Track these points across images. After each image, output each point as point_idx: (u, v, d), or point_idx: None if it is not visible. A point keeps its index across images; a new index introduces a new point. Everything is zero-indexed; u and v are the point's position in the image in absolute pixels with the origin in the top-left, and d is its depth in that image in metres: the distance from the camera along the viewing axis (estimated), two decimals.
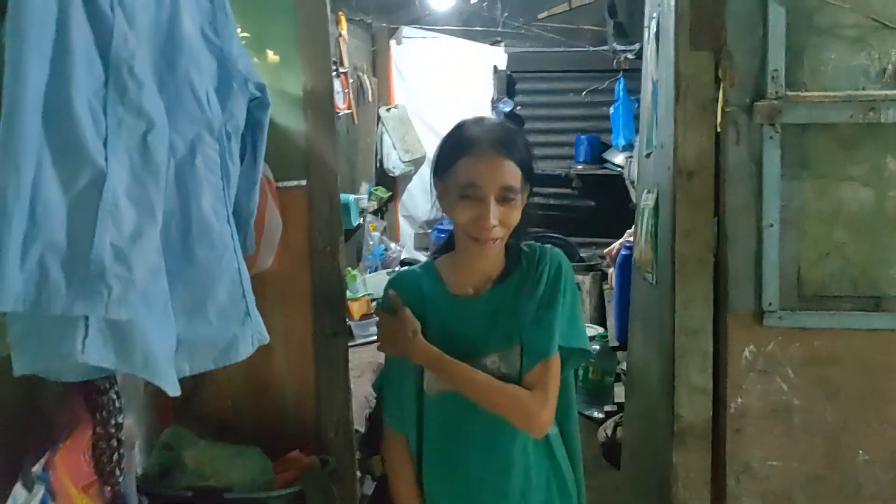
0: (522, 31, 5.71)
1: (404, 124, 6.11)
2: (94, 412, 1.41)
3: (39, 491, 1.21)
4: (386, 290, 1.64)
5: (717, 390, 1.92)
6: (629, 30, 5.31)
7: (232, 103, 1.39)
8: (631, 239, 4.06)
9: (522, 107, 5.85)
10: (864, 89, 1.75)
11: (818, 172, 1.78)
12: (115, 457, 1.45)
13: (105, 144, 0.96)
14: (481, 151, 1.42)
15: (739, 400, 1.84)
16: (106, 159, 0.95)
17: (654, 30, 2.30)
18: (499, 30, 5.77)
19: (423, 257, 5.99)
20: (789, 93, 1.74)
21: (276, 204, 1.90)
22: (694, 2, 1.86)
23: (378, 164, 6.11)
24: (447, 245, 1.64)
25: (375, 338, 3.24)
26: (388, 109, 6.10)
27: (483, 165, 1.41)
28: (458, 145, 1.47)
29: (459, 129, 1.50)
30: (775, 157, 1.76)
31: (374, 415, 2.26)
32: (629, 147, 4.52)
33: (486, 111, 5.79)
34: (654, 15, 2.36)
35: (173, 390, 1.14)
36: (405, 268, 1.66)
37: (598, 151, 5.32)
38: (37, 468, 1.24)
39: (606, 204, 5.40)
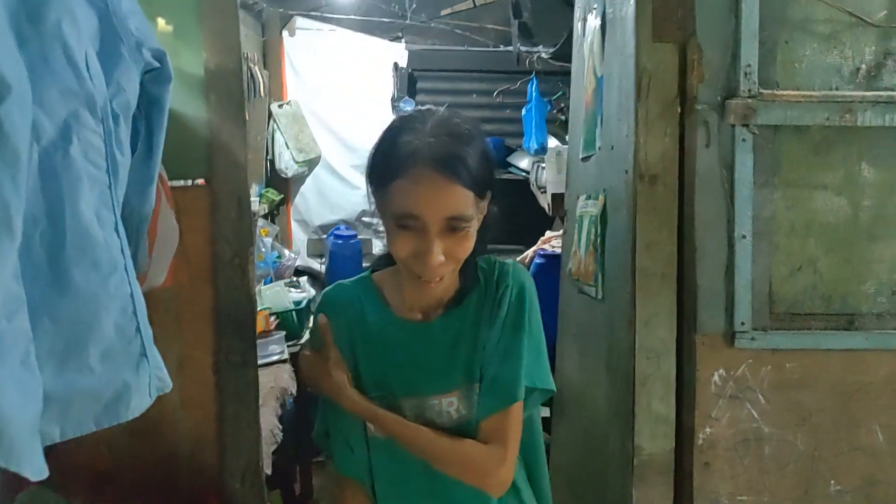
0: (424, 25, 5.46)
1: (298, 122, 5.71)
2: None
3: None
4: (317, 311, 1.35)
5: (678, 419, 1.73)
6: (534, 30, 5.18)
7: (120, 73, 1.05)
8: (545, 247, 3.90)
9: (424, 106, 5.61)
10: (836, 89, 1.61)
11: (789, 179, 1.63)
12: None
13: None
14: (419, 173, 1.10)
15: (708, 429, 1.66)
16: None
17: (598, 22, 2.11)
18: (401, 22, 5.49)
19: (316, 265, 5.63)
20: (763, 91, 1.58)
21: (171, 206, 1.56)
22: None
23: (269, 165, 5.68)
24: (388, 257, 1.36)
25: (276, 357, 2.89)
26: (280, 106, 5.67)
27: (422, 192, 1.11)
28: (391, 161, 1.15)
29: (393, 134, 1.18)
30: (748, 161, 1.60)
31: (281, 451, 1.95)
32: (541, 150, 4.37)
33: (386, 110, 5.51)
34: (596, 6, 2.17)
35: (38, 473, 0.80)
36: (339, 282, 1.36)
37: (502, 155, 5.15)
38: None
39: (513, 210, 5.23)
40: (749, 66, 1.57)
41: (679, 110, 1.69)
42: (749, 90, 1.57)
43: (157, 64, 1.14)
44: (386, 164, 1.16)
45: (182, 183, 1.67)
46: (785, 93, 1.58)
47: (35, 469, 0.77)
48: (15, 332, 0.75)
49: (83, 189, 0.93)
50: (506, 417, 1.22)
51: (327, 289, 1.36)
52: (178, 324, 1.73)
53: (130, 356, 0.98)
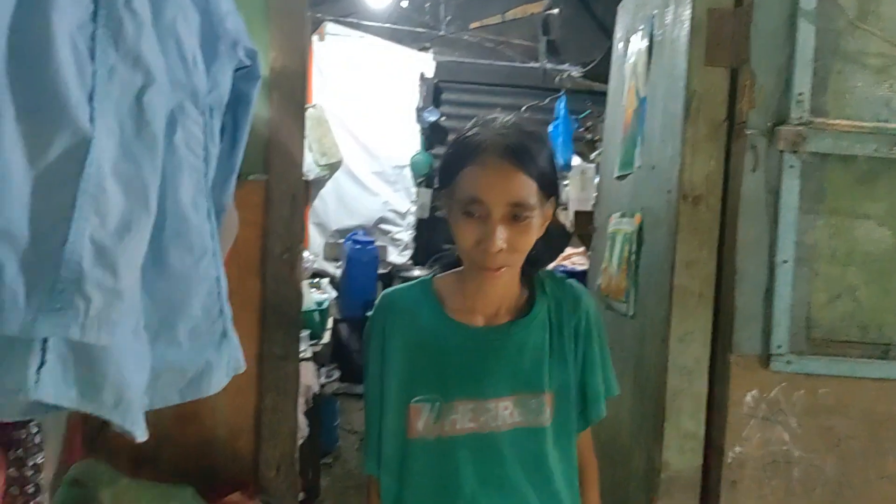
0: (453, 37, 5.53)
1: (322, 126, 5.76)
2: (6, 450, 1.07)
3: None
4: (374, 312, 1.38)
5: (707, 437, 1.77)
6: (562, 48, 5.24)
7: (216, 69, 1.10)
8: (565, 264, 3.94)
9: (448, 118, 5.67)
10: (886, 121, 1.66)
11: (834, 208, 1.67)
12: None
13: (90, 100, 0.66)
14: (487, 160, 1.17)
15: (738, 449, 1.69)
16: (92, 121, 0.65)
17: (644, 44, 2.15)
18: (430, 32, 5.55)
19: (332, 268, 5.67)
20: (815, 119, 1.62)
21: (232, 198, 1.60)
22: (712, 14, 1.72)
23: None
24: (450, 261, 1.40)
25: (301, 356, 2.92)
26: (305, 108, 5.74)
27: (488, 177, 1.17)
28: (461, 152, 1.22)
29: (464, 133, 1.25)
30: (794, 187, 1.64)
31: (304, 448, 1.96)
32: (566, 168, 4.42)
33: (410, 119, 5.56)
34: (642, 27, 2.22)
35: (143, 435, 0.84)
36: (397, 286, 1.39)
37: None
38: None
39: None
40: (801, 93, 1.61)
41: (726, 134, 1.73)
42: (800, 117, 1.61)
43: (248, 62, 1.19)
44: (455, 156, 1.23)
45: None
46: (835, 122, 1.62)
47: (141, 431, 0.81)
48: (131, 304, 0.79)
49: (183, 176, 0.97)
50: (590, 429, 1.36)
51: (386, 290, 1.39)
52: None
53: (214, 335, 1.02)
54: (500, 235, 1.16)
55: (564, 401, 1.31)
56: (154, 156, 0.74)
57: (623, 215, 2.27)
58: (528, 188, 1.17)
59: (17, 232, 0.61)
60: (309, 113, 5.74)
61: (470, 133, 1.23)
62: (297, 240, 1.74)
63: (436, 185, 1.31)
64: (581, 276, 3.22)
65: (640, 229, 2.07)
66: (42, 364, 0.66)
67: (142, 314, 0.87)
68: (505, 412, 1.27)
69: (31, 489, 1.08)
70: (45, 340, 0.66)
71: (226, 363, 1.04)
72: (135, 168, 0.71)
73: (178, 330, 0.97)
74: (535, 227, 1.21)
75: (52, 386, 0.68)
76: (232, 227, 1.56)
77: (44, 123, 0.62)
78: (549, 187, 1.23)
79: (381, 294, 1.37)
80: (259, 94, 1.67)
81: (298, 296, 1.75)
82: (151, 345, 0.93)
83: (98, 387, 0.72)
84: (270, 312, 1.75)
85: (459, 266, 1.34)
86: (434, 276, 1.39)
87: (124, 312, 0.75)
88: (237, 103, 1.20)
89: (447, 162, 1.26)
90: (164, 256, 0.95)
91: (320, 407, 3.50)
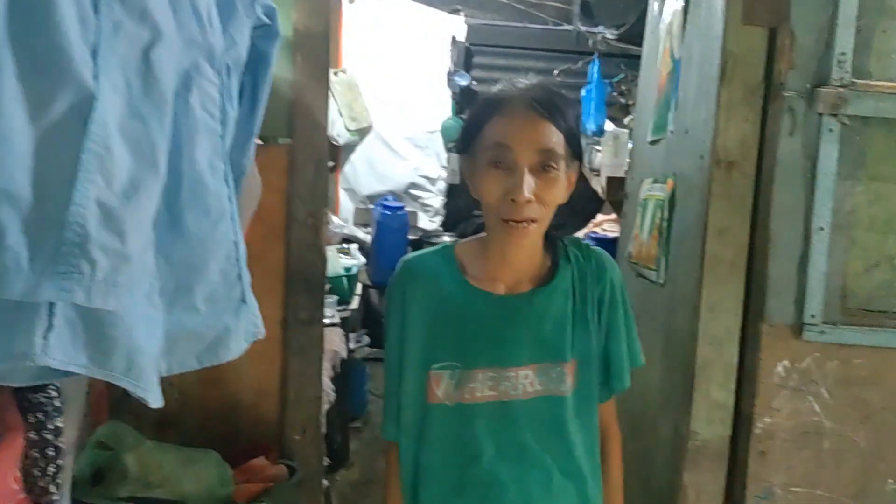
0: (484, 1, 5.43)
1: (352, 91, 5.73)
2: (26, 413, 1.08)
3: None
4: (394, 279, 1.36)
5: (735, 407, 1.73)
6: (595, 10, 5.11)
7: (234, 27, 1.07)
8: (597, 231, 3.89)
9: (479, 82, 5.58)
10: None
11: (874, 173, 1.60)
12: (52, 469, 1.13)
13: (94, 56, 0.64)
14: (514, 110, 1.17)
15: (768, 419, 1.66)
16: (96, 77, 0.64)
17: (680, 3, 2.08)
18: None
19: (361, 234, 5.67)
20: (857, 80, 1.55)
21: (255, 162, 1.58)
22: None
23: None
24: (476, 228, 1.38)
25: (328, 321, 2.93)
26: (335, 73, 5.69)
27: (516, 124, 1.16)
28: (486, 107, 1.21)
29: (490, 90, 1.25)
30: (833, 152, 1.57)
31: (330, 412, 1.97)
32: (598, 133, 4.33)
33: (441, 83, 5.49)
34: None
35: (157, 401, 0.84)
36: (419, 252, 1.37)
37: None
38: None
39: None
40: (843, 53, 1.54)
41: (763, 97, 1.67)
42: (841, 79, 1.54)
43: (267, 20, 1.16)
44: (480, 112, 1.22)
45: (264, 141, 1.69)
46: (878, 83, 1.55)
47: (156, 398, 0.81)
48: (143, 268, 0.78)
49: (199, 137, 0.95)
50: (614, 399, 1.35)
51: (406, 256, 1.37)
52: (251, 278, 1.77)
53: (232, 301, 1.02)
54: (528, 183, 1.14)
55: (587, 370, 1.29)
56: (163, 114, 0.72)
57: (655, 181, 2.22)
58: (556, 138, 1.17)
59: (19, 193, 0.60)
60: (339, 78, 5.71)
61: (495, 90, 1.23)
62: (322, 204, 1.73)
63: (459, 150, 1.29)
64: (612, 243, 3.17)
65: (673, 196, 2.02)
66: (49, 329, 0.66)
67: (156, 278, 0.86)
68: (525, 381, 1.26)
69: (51, 451, 1.09)
70: (52, 305, 0.66)
71: (244, 329, 1.04)
72: (142, 127, 0.70)
73: (195, 295, 0.97)
74: (563, 183, 1.19)
75: (61, 351, 0.67)
76: (255, 191, 1.56)
77: (45, 80, 0.61)
78: (575, 147, 1.21)
79: (401, 260, 1.36)
80: (282, 55, 1.67)
81: (323, 261, 1.74)
82: (168, 310, 0.93)
83: (108, 352, 0.72)
84: (295, 278, 1.75)
85: (483, 233, 1.32)
86: (456, 242, 1.37)
87: (134, 276, 0.74)
88: (256, 63, 1.18)
89: (471, 120, 1.25)
90: (181, 219, 0.94)
91: (349, 372, 3.53)
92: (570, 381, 1.26)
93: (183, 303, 0.95)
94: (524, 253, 1.27)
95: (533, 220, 1.18)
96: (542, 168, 1.15)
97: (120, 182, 0.67)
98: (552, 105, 1.17)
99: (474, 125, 1.23)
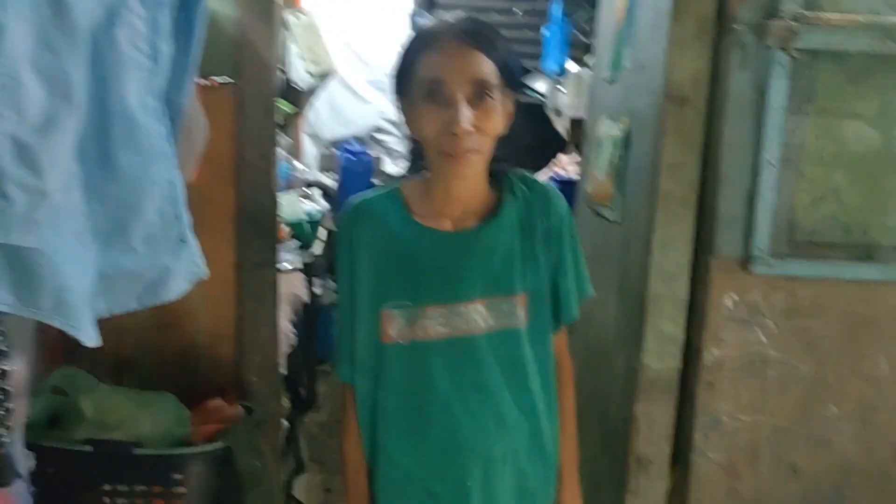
0: None
1: (312, 33, 5.58)
2: None
3: None
4: (339, 221, 1.36)
5: (686, 340, 1.77)
6: None
7: None
8: (560, 171, 3.89)
9: None
10: (880, 14, 1.58)
11: (823, 107, 1.61)
12: (1, 412, 1.12)
13: None
14: (444, 44, 1.17)
15: (715, 351, 1.70)
16: (3, 7, 0.61)
17: None
18: None
19: (327, 180, 5.61)
20: (807, 13, 1.55)
21: (200, 104, 1.55)
22: None
23: (282, 76, 5.59)
24: (415, 168, 1.37)
25: (290, 266, 2.92)
26: (295, 15, 5.55)
27: (447, 57, 1.16)
28: (416, 43, 1.22)
29: (420, 27, 1.26)
30: (783, 86, 1.58)
31: (291, 357, 1.99)
32: (561, 73, 4.29)
33: (403, 25, 5.39)
34: None
35: (91, 339, 0.83)
36: (365, 192, 1.36)
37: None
38: None
39: (526, 134, 5.17)
40: None
41: (715, 31, 1.66)
42: (792, 11, 1.53)
43: None
44: (411, 49, 1.23)
45: (208, 81, 1.65)
46: (829, 16, 1.54)
47: (89, 336, 0.80)
48: (70, 207, 0.77)
49: (127, 74, 0.93)
50: (565, 330, 1.36)
51: (351, 198, 1.37)
52: (201, 221, 1.73)
53: (170, 241, 1.01)
54: (466, 114, 1.14)
55: (538, 303, 1.31)
56: (76, 47, 0.70)
57: (611, 119, 2.21)
58: (488, 68, 1.17)
59: None
60: (299, 20, 5.56)
61: (421, 28, 1.25)
62: (272, 145, 1.70)
63: (394, 92, 1.28)
64: (575, 184, 3.18)
65: (627, 134, 2.02)
66: None
67: (88, 218, 0.85)
68: (477, 316, 1.27)
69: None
70: None
71: (185, 269, 1.03)
72: (54, 59, 0.68)
73: (131, 235, 0.95)
74: (500, 112, 1.20)
75: None
76: (199, 132, 1.52)
77: None
78: (508, 76, 1.21)
79: (347, 202, 1.35)
80: None
81: (274, 203, 1.73)
82: (103, 249, 0.92)
83: (35, 290, 0.71)
84: (246, 220, 1.73)
85: (427, 172, 1.31)
86: (402, 182, 1.36)
87: (60, 214, 0.73)
88: None
89: (402, 59, 1.25)
90: (112, 158, 0.92)
91: (314, 317, 3.54)
92: (523, 315, 1.28)
93: (119, 242, 0.94)
94: (468, 187, 1.27)
95: (474, 151, 1.18)
96: (478, 97, 1.16)
97: (33, 116, 0.65)
98: (481, 35, 1.18)
99: (406, 64, 1.23)
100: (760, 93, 1.59)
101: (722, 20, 1.65)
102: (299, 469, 2.64)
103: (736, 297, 1.68)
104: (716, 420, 1.74)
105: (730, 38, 1.61)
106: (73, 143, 0.72)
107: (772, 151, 1.60)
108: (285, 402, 3.33)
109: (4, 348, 1.12)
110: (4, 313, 0.78)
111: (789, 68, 1.57)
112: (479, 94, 1.15)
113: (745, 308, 1.68)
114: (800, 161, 1.63)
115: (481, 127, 1.16)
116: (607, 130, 2.22)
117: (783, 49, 1.55)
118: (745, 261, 1.65)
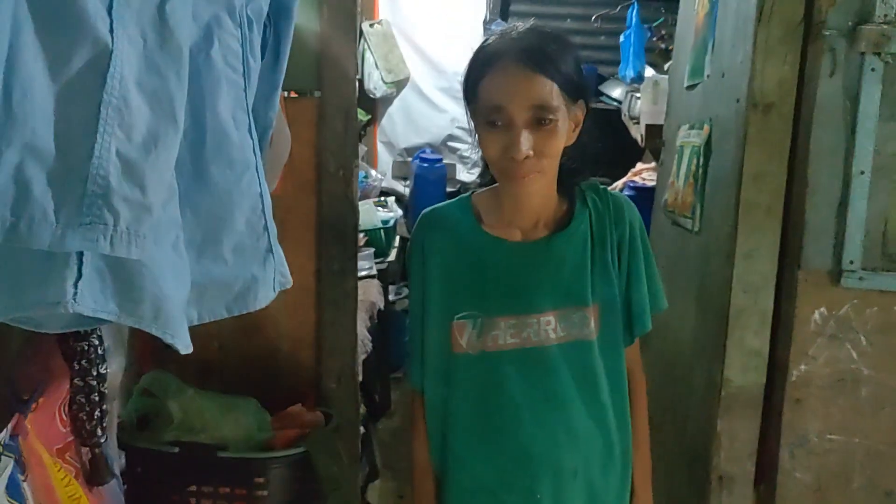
0: None
1: (388, 42, 5.68)
2: (71, 361, 1.14)
3: (8, 464, 0.95)
4: (413, 232, 1.37)
5: (770, 354, 1.72)
6: None
7: None
8: (636, 180, 3.82)
9: None
10: None
11: None
12: (97, 413, 1.19)
13: (110, 10, 0.66)
14: (503, 66, 1.15)
15: (803, 367, 1.65)
16: (111, 31, 0.65)
17: None
18: None
19: (400, 187, 5.68)
20: None
21: (285, 116, 1.60)
22: None
23: (358, 84, 5.69)
24: (488, 175, 1.37)
25: (365, 273, 2.97)
26: (371, 25, 5.64)
27: (506, 83, 1.14)
28: (479, 62, 1.20)
29: (484, 43, 1.23)
30: (875, 93, 1.52)
31: (366, 363, 2.00)
32: (638, 79, 4.23)
33: (477, 33, 5.40)
34: None
35: (186, 347, 0.87)
36: (437, 205, 1.37)
37: (594, 84, 5.01)
38: (3, 435, 0.97)
39: (603, 141, 5.11)
40: None
41: (802, 36, 1.61)
42: (885, 15, 1.48)
43: None
44: (473, 69, 1.21)
45: (293, 94, 1.70)
46: None
47: (185, 344, 0.84)
48: (169, 219, 0.81)
49: (221, 91, 0.97)
50: (638, 342, 1.35)
51: (425, 210, 1.38)
52: (282, 230, 1.79)
53: (258, 251, 1.04)
54: (525, 141, 1.14)
55: (610, 314, 1.29)
56: (179, 68, 0.73)
57: (691, 127, 2.17)
58: (548, 90, 1.14)
59: (42, 147, 0.62)
60: (375, 29, 5.66)
61: (485, 43, 1.22)
62: (352, 157, 1.74)
63: (466, 105, 1.28)
64: (651, 192, 3.12)
65: (708, 141, 1.97)
66: (79, 277, 0.69)
67: (183, 230, 0.89)
68: (548, 327, 1.26)
69: (95, 397, 1.15)
70: (81, 255, 0.68)
71: (272, 278, 1.06)
72: (160, 80, 0.71)
73: (222, 245, 0.99)
74: (562, 131, 1.18)
75: (91, 299, 0.70)
76: (284, 144, 1.57)
77: (63, 36, 0.62)
78: (574, 89, 1.19)
79: (421, 213, 1.37)
80: (309, 7, 1.67)
81: (354, 213, 1.76)
82: (196, 260, 0.95)
83: (136, 300, 0.75)
84: (326, 229, 1.77)
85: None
86: (473, 192, 1.37)
87: (160, 227, 0.76)
88: (278, 15, 1.17)
89: (467, 77, 1.24)
90: (206, 172, 0.96)
91: (388, 324, 3.58)
92: (594, 326, 1.27)
93: (210, 253, 0.98)
94: (535, 200, 1.27)
95: (535, 173, 1.18)
96: (538, 122, 1.14)
97: (139, 135, 0.69)
98: (541, 54, 1.15)
99: (470, 82, 1.22)
100: (851, 99, 1.54)
101: (809, 25, 1.60)
102: (373, 475, 2.68)
103: (825, 312, 1.62)
104: (804, 439, 1.67)
105: (818, 44, 1.56)
106: (174, 160, 0.76)
107: (863, 160, 1.54)
108: (362, 409, 3.39)
109: (102, 352, 1.18)
110: (104, 320, 0.82)
111: (882, 74, 1.51)
112: (539, 119, 1.14)
113: (835, 323, 1.62)
114: (893, 170, 1.56)
115: (542, 150, 1.15)
116: (687, 139, 2.18)
117: (876, 54, 1.49)
118: (835, 274, 1.59)
